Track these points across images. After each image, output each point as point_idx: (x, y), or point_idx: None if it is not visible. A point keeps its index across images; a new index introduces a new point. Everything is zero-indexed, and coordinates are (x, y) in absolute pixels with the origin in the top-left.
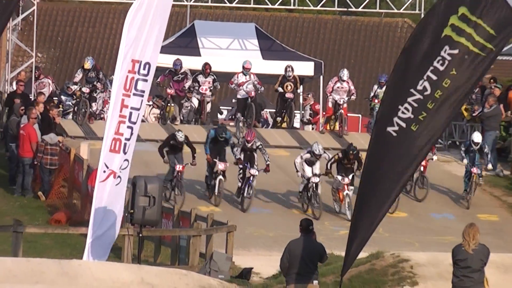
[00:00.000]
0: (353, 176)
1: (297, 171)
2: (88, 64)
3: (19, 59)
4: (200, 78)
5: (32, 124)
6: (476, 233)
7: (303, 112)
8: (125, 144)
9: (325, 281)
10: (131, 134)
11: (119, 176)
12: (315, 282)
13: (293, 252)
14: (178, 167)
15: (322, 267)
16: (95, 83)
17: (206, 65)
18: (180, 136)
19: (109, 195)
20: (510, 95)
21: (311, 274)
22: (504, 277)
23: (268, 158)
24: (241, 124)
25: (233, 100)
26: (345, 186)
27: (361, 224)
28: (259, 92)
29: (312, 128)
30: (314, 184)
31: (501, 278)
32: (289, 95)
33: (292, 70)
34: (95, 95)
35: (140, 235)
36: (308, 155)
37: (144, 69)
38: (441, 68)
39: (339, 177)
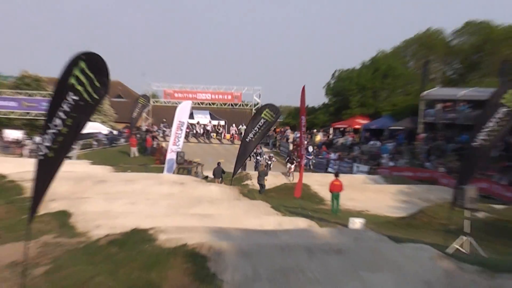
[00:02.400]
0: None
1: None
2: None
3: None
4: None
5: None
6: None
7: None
8: (176, 143)
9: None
10: (178, 141)
11: (175, 152)
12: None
13: (216, 170)
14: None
15: (225, 176)
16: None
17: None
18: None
19: (171, 157)
20: None
21: (219, 176)
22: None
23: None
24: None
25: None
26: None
27: (238, 164)
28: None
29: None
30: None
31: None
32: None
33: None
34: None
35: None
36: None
37: (181, 124)
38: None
39: (288, 164)
